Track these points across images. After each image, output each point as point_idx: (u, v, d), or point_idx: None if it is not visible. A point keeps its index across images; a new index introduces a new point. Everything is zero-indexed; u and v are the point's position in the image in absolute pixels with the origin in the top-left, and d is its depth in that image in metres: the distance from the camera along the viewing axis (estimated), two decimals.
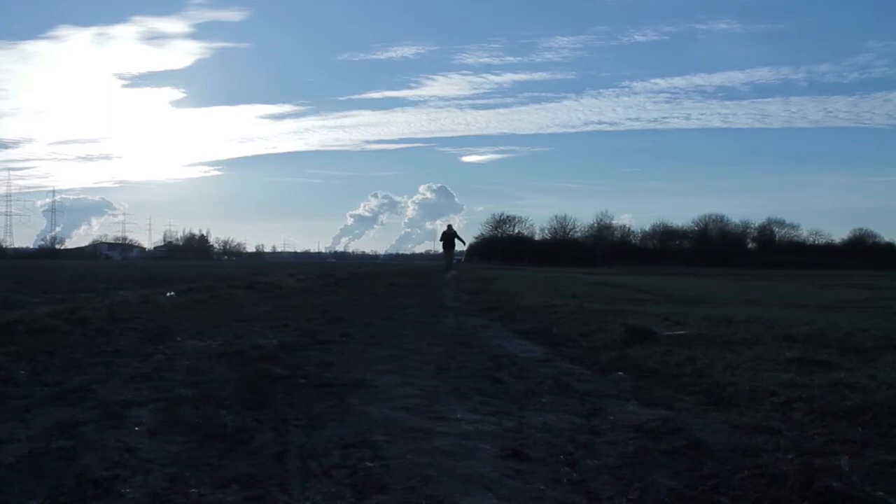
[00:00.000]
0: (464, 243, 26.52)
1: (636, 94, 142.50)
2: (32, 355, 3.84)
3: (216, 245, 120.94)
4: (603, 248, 77.16)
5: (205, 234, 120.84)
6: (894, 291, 16.07)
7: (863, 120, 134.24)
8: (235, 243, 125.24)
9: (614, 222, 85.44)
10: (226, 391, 3.05)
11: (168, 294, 8.92)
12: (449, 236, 24.77)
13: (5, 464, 1.98)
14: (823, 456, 2.10)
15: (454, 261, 26.47)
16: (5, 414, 2.56)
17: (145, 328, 5.36)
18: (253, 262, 76.59)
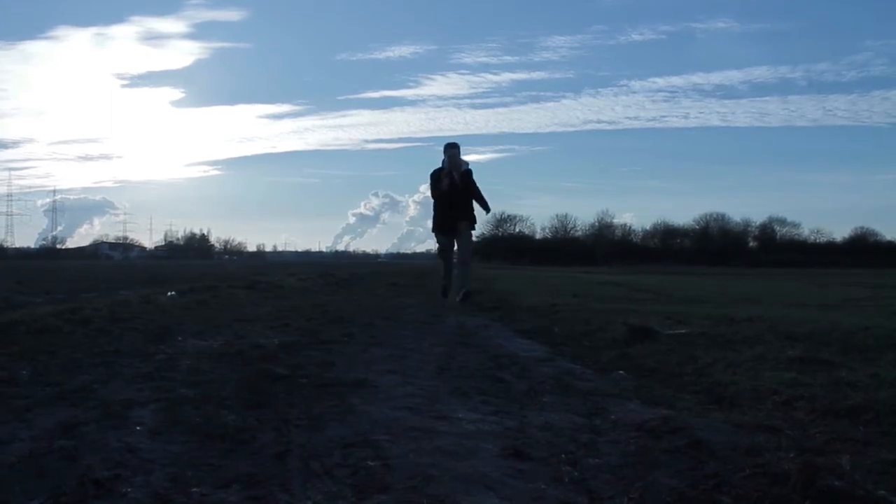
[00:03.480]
0: (487, 209, 8.81)
1: (634, 93, 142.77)
2: (34, 355, 3.84)
3: (217, 245, 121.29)
4: (604, 248, 77.10)
5: (205, 233, 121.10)
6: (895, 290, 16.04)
7: (862, 118, 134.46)
8: (236, 243, 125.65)
9: (615, 221, 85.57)
10: (227, 391, 3.05)
11: (169, 294, 8.92)
12: (460, 181, 8.39)
13: (7, 464, 1.98)
14: (825, 455, 2.10)
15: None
16: (7, 414, 2.56)
17: (146, 328, 5.36)
18: (254, 262, 76.65)
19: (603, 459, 2.12)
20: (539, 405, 2.89)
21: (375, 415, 2.67)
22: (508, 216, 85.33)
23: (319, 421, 2.56)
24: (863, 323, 5.69)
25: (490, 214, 9.41)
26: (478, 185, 8.56)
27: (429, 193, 8.58)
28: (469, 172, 8.40)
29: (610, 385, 3.36)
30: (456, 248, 8.51)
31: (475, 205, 8.58)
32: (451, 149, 8.34)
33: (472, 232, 8.65)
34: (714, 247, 76.55)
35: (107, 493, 1.77)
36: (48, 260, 69.38)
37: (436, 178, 8.32)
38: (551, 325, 6.31)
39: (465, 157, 8.51)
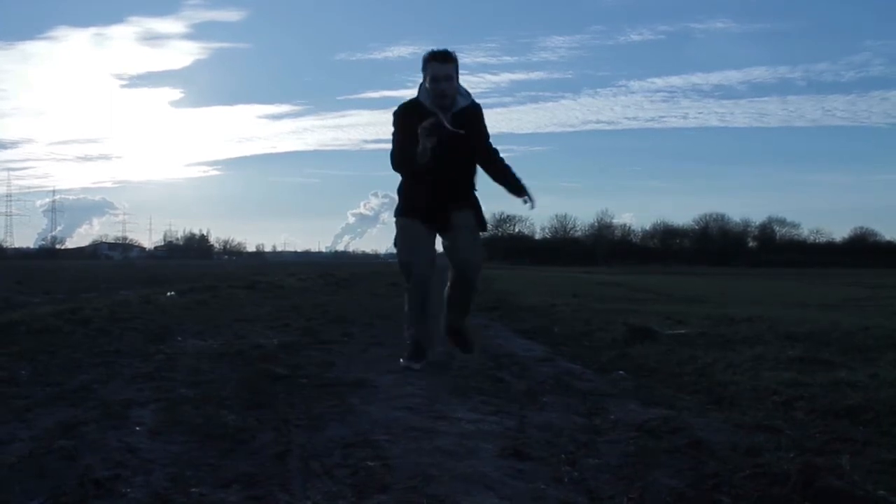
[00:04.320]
0: (520, 189, 3.89)
1: (633, 93, 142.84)
2: (34, 355, 3.84)
3: (216, 245, 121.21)
4: (604, 248, 77.09)
5: (205, 233, 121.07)
6: (895, 290, 16.05)
7: (860, 119, 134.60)
8: (236, 243, 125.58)
9: (615, 221, 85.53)
10: (227, 391, 3.05)
11: (169, 294, 8.92)
12: (450, 135, 3.47)
13: (7, 464, 1.98)
14: (825, 455, 2.10)
15: (470, 260, 3.77)
16: (7, 414, 2.56)
17: (146, 328, 5.36)
18: (253, 262, 76.67)
19: (603, 459, 2.12)
20: (539, 405, 2.89)
21: (375, 415, 2.67)
22: (508, 216, 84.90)
23: (319, 421, 2.56)
24: (862, 323, 5.70)
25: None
26: (490, 137, 3.92)
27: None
28: (474, 113, 3.75)
29: (610, 385, 3.37)
30: (451, 257, 3.82)
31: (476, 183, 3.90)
32: (439, 62, 3.58)
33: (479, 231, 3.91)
34: (714, 247, 76.54)
35: (107, 493, 1.77)
36: (48, 260, 69.40)
37: (403, 124, 3.60)
38: (551, 324, 6.32)
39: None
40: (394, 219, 3.84)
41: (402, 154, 3.52)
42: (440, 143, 3.35)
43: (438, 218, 3.67)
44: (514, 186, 3.89)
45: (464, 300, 3.91)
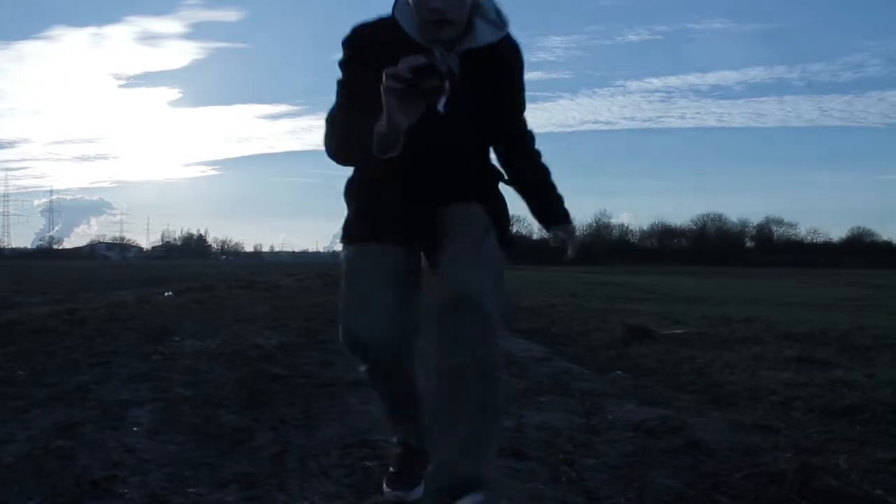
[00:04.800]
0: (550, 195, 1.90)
1: (631, 93, 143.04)
2: (31, 355, 3.84)
3: (214, 245, 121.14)
4: (602, 248, 77.14)
5: (203, 233, 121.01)
6: (893, 290, 16.09)
7: (857, 119, 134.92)
8: (233, 243, 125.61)
9: (613, 221, 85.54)
10: (224, 391, 3.04)
11: (166, 294, 8.92)
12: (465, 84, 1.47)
13: (4, 464, 1.98)
14: (822, 454, 2.11)
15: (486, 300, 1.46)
16: (4, 414, 2.56)
17: (144, 328, 5.36)
18: (251, 262, 76.65)
19: (601, 459, 2.12)
20: (537, 405, 2.89)
21: (374, 414, 2.66)
22: None
23: (317, 420, 2.56)
24: (860, 323, 5.71)
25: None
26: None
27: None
28: (509, 56, 1.67)
29: (608, 385, 3.37)
30: (439, 294, 1.58)
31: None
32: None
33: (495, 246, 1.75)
34: (711, 247, 76.58)
35: (104, 494, 1.77)
36: (45, 260, 69.35)
37: (356, 67, 1.56)
38: (549, 324, 6.33)
39: None
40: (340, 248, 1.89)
41: (345, 129, 1.55)
42: (429, 117, 1.38)
43: (421, 229, 1.72)
44: (547, 206, 2.01)
45: (465, 406, 1.52)
